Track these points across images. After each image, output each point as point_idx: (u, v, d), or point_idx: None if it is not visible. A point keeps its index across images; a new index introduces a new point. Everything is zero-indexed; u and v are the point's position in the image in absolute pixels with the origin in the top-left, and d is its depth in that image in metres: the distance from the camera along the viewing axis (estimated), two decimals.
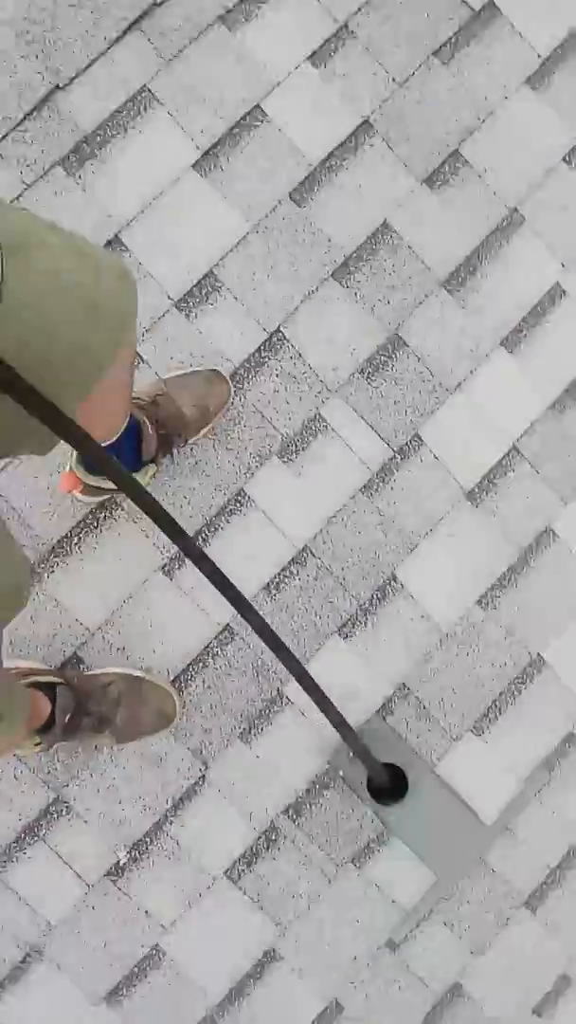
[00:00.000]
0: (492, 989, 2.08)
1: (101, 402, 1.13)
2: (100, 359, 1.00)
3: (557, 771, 2.08)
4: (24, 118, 1.83)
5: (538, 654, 2.07)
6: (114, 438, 1.61)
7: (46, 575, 1.89)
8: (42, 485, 1.88)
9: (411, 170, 2.00)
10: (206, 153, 1.91)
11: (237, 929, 1.98)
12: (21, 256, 0.85)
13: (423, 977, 2.05)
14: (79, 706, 1.78)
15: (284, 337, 1.95)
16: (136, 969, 1.95)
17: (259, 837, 1.98)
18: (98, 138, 1.86)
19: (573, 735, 2.08)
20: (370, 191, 1.99)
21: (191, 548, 1.29)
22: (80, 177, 1.87)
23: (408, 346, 2.01)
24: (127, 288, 1.02)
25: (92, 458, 1.03)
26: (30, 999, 1.93)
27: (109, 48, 1.85)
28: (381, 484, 2.01)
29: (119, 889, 1.94)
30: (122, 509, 1.91)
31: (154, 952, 1.96)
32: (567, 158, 2.08)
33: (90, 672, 1.90)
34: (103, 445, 1.52)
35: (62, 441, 0.98)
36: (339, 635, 1.99)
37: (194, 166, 1.91)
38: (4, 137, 1.82)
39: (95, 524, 1.91)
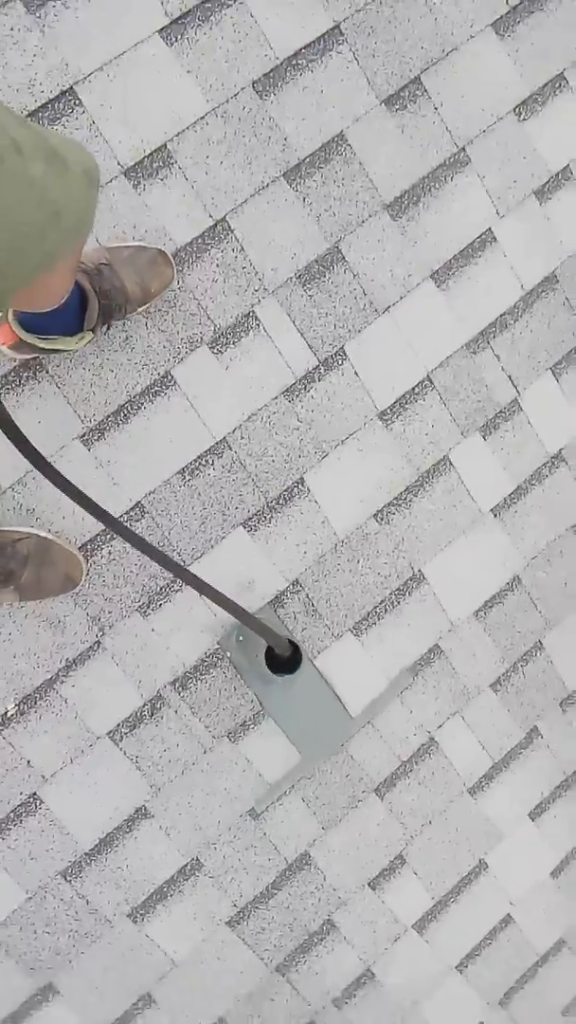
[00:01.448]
0: (336, 861, 1.71)
1: (44, 284, 0.91)
2: (54, 255, 0.79)
3: (420, 677, 1.69)
4: None
5: (419, 571, 1.67)
6: (56, 306, 1.12)
7: None
8: None
9: (373, 87, 1.52)
10: (175, 21, 1.39)
11: (113, 787, 1.55)
12: None
13: (277, 845, 1.67)
14: None
15: (229, 227, 1.46)
16: (12, 814, 1.51)
17: (144, 704, 1.54)
18: None
19: (438, 647, 1.69)
20: (331, 99, 1.49)
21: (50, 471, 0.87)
22: (40, 16, 1.33)
23: (346, 261, 1.54)
24: (92, 192, 0.82)
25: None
26: None
27: None
28: (302, 391, 1.55)
29: (3, 738, 1.48)
30: (46, 372, 1.41)
31: (32, 800, 1.52)
32: (518, 110, 1.63)
33: (0, 528, 1.41)
34: (48, 311, 1.14)
35: None
36: (244, 527, 1.55)
37: (160, 32, 1.39)
38: None
39: (18, 383, 1.41)
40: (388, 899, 1.78)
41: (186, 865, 1.65)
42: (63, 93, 1.37)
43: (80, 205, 0.81)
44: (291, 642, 1.59)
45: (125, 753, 1.56)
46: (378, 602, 1.68)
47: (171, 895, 1.64)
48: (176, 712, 1.58)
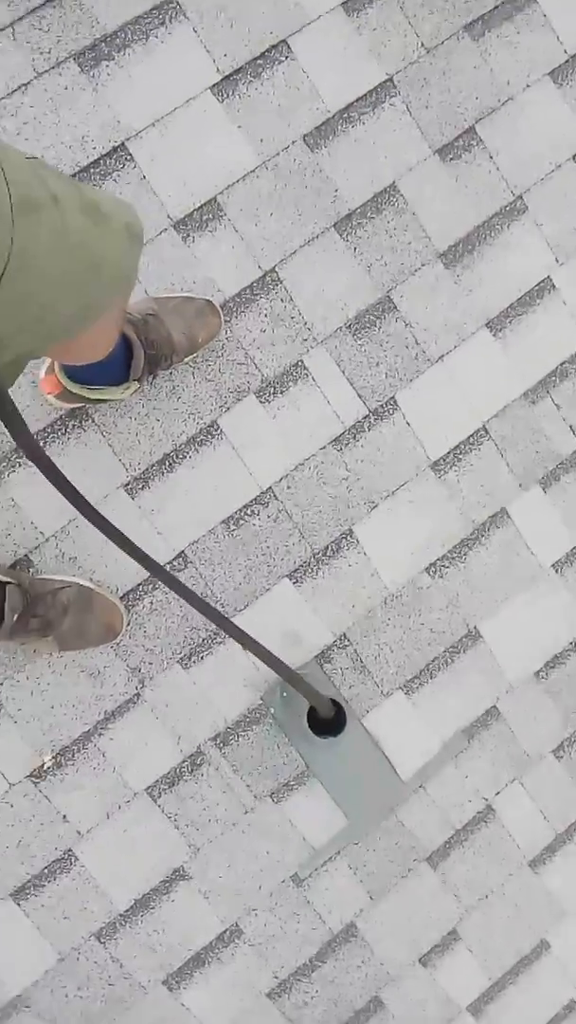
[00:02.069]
0: (384, 935, 1.59)
1: (89, 337, 0.87)
2: (93, 308, 0.78)
3: (476, 740, 1.57)
4: (44, 2, 1.30)
5: (475, 627, 1.56)
6: (101, 358, 1.11)
7: (7, 474, 1.37)
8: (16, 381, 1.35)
9: (426, 138, 1.47)
10: (226, 78, 1.38)
11: (151, 845, 1.48)
12: (32, 215, 0.64)
13: (321, 914, 1.56)
14: (27, 608, 1.28)
15: (278, 278, 1.43)
16: (46, 870, 1.45)
17: (184, 760, 1.47)
18: (118, 40, 1.33)
19: (495, 709, 1.57)
20: (383, 150, 1.46)
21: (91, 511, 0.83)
22: (94, 76, 1.34)
23: (398, 310, 1.48)
24: (133, 247, 0.80)
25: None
26: None
27: None
28: (352, 440, 1.49)
29: (40, 791, 1.43)
30: (92, 421, 1.39)
31: (66, 856, 1.45)
32: None
33: (41, 576, 1.38)
34: (94, 362, 1.12)
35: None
36: (289, 579, 1.48)
37: (212, 88, 1.38)
38: (21, 19, 1.29)
39: (64, 431, 1.39)
40: (440, 977, 1.63)
41: (225, 931, 1.55)
42: (115, 149, 1.37)
43: (121, 259, 0.78)
44: (335, 702, 1.50)
45: (163, 810, 1.49)
46: (431, 659, 1.58)
47: (209, 962, 1.55)
48: (217, 769, 1.50)
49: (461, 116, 1.51)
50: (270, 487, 1.48)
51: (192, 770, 1.49)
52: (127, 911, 1.50)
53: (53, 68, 1.34)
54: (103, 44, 1.35)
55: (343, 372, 1.49)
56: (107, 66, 1.36)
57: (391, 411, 1.51)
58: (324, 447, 1.49)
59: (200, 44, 1.38)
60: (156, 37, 1.36)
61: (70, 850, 1.47)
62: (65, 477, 0.89)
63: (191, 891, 1.52)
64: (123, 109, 1.37)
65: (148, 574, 1.41)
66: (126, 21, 1.34)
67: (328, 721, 1.48)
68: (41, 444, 1.40)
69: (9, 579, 1.28)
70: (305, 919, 1.57)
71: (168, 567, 1.45)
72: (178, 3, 1.37)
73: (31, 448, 0.78)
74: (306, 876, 1.56)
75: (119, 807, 1.47)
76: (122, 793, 1.47)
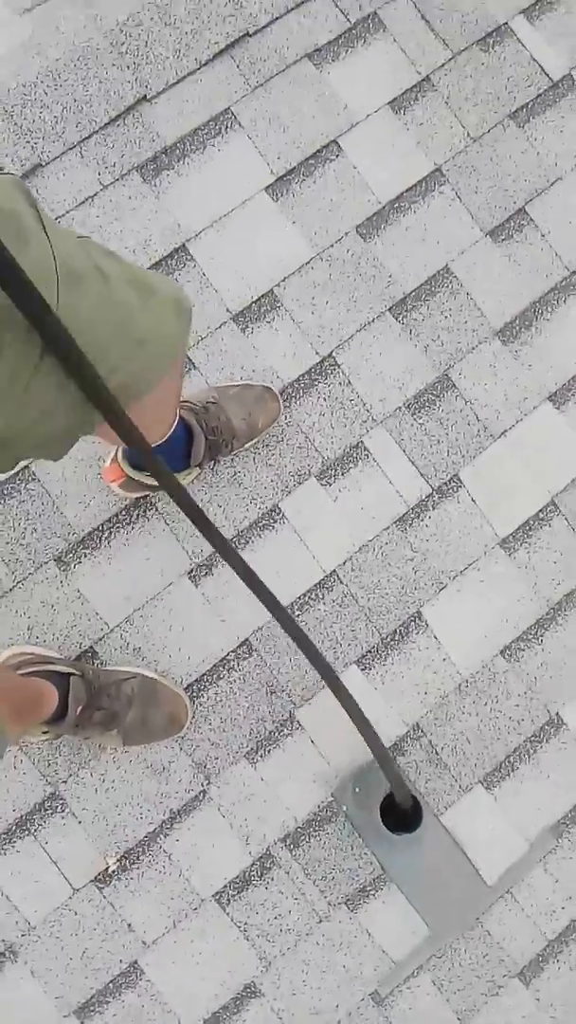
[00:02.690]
0: None
1: (140, 416, 0.82)
2: (142, 385, 0.76)
3: (566, 838, 1.44)
4: (109, 123, 1.38)
5: (557, 714, 1.45)
6: (158, 441, 1.11)
7: (73, 565, 1.37)
8: (79, 474, 1.37)
9: (477, 221, 1.49)
10: (280, 178, 1.43)
11: (220, 957, 1.38)
12: (77, 288, 0.64)
13: None
14: (91, 700, 1.25)
15: (336, 363, 1.43)
16: (111, 985, 1.36)
17: (253, 863, 1.38)
18: (177, 151, 1.40)
19: None
20: (435, 235, 1.47)
21: (227, 550, 0.81)
22: (156, 185, 1.40)
23: (456, 388, 1.46)
24: (181, 323, 0.78)
25: (135, 450, 0.79)
26: (1, 1001, 1.34)
27: (198, 69, 1.41)
28: (416, 520, 1.45)
29: (104, 898, 1.36)
30: (156, 510, 1.39)
31: (132, 969, 1.36)
32: None
33: (105, 668, 1.35)
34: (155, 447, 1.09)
35: (95, 437, 0.78)
36: (357, 666, 1.42)
37: (267, 189, 1.43)
38: (88, 138, 1.37)
39: (128, 521, 1.39)
40: None
41: None
42: (175, 251, 1.42)
43: (168, 334, 0.78)
44: (412, 796, 1.41)
45: (232, 919, 1.39)
46: (511, 750, 1.48)
47: None
48: (287, 873, 1.40)
49: (511, 198, 1.52)
50: (334, 570, 1.43)
51: (262, 874, 1.40)
52: None
53: (118, 180, 1.40)
54: (163, 155, 1.41)
55: (404, 451, 1.46)
56: (167, 175, 1.42)
57: (455, 489, 1.47)
58: (388, 527, 1.45)
59: (254, 149, 1.43)
60: (213, 146, 1.42)
61: (135, 962, 1.38)
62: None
63: (264, 1010, 1.40)
64: (183, 213, 1.42)
65: (212, 664, 1.37)
66: (184, 133, 1.41)
67: (403, 815, 1.38)
68: (105, 535, 1.40)
69: (72, 670, 1.25)
70: None
71: (232, 655, 1.41)
72: (233, 113, 1.43)
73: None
74: (387, 994, 1.42)
75: (186, 915, 1.39)
76: (189, 899, 1.39)
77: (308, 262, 1.44)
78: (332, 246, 1.45)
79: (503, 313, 1.51)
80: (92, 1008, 1.37)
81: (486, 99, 1.51)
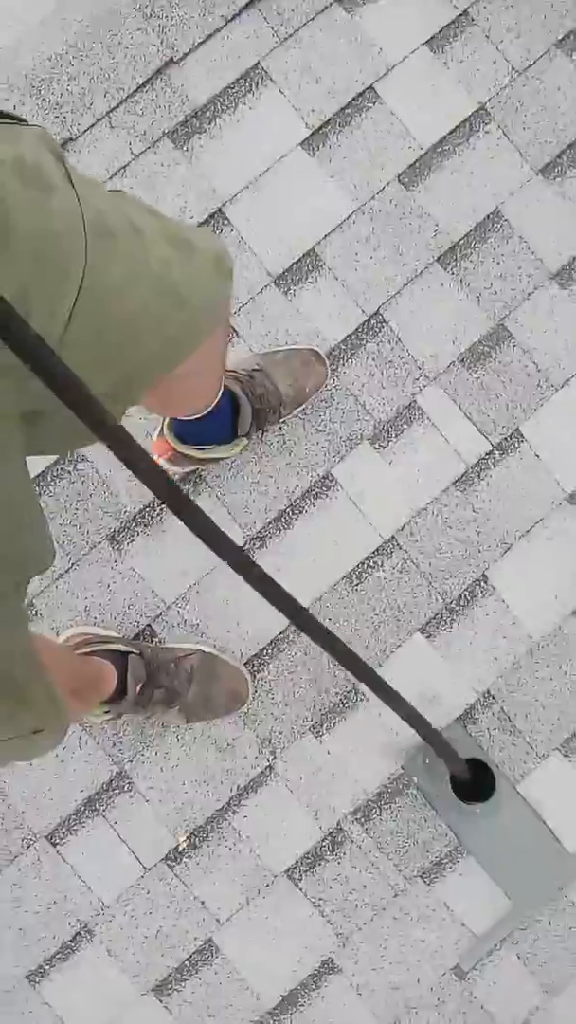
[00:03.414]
0: None
1: (184, 382, 0.80)
2: (184, 347, 0.71)
3: None
4: (137, 89, 1.34)
5: None
6: (203, 412, 1.06)
7: (127, 543, 1.35)
8: None
9: (526, 159, 1.39)
10: (315, 132, 1.36)
11: (295, 934, 1.34)
12: (108, 240, 0.58)
13: (492, 1012, 1.35)
14: (151, 678, 1.23)
15: (384, 320, 1.36)
16: (188, 962, 1.34)
17: (324, 838, 1.34)
18: (208, 112, 1.34)
19: None
20: (482, 178, 1.38)
21: (243, 561, 0.72)
22: (188, 150, 1.35)
23: (514, 338, 1.38)
24: (222, 280, 0.73)
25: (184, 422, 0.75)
26: (78, 979, 1.35)
27: (225, 25, 1.35)
28: (476, 479, 1.37)
29: (176, 876, 1.34)
30: (206, 484, 1.35)
31: (207, 947, 1.34)
32: None
33: (164, 645, 1.32)
34: (201, 419, 1.10)
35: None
36: (422, 633, 1.36)
37: (302, 144, 1.36)
38: (116, 107, 1.33)
39: None
40: None
41: None
42: (211, 216, 1.37)
43: (208, 292, 0.72)
44: (478, 762, 1.34)
45: (306, 895, 1.36)
46: None
47: None
48: (360, 847, 1.36)
49: (562, 132, 1.42)
50: (392, 536, 1.37)
51: (333, 849, 1.36)
52: (275, 1008, 1.36)
53: (149, 148, 1.36)
54: (194, 119, 1.36)
55: (460, 408, 1.38)
56: (199, 139, 1.37)
57: (517, 444, 1.39)
58: (447, 489, 1.38)
59: (287, 103, 1.37)
60: (244, 104, 1.37)
61: (211, 940, 1.36)
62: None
63: (343, 986, 1.37)
64: (217, 176, 1.37)
65: (272, 638, 1.33)
66: (215, 93, 1.36)
67: (472, 785, 1.32)
68: (156, 512, 1.37)
69: (131, 649, 1.23)
70: (473, 1018, 1.38)
71: (290, 629, 1.36)
72: (263, 68, 1.37)
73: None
74: (469, 968, 1.37)
75: (258, 891, 1.36)
76: (261, 876, 1.36)
77: (349, 217, 1.37)
78: (374, 198, 1.38)
79: (560, 255, 1.42)
80: (170, 986, 1.36)
81: (529, 29, 1.41)
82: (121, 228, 0.62)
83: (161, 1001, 1.36)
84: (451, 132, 1.40)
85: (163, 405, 1.01)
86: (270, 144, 1.37)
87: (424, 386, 1.39)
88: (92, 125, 1.36)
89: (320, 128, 1.38)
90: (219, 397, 1.09)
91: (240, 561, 0.71)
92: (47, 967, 1.35)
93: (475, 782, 1.33)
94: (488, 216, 1.40)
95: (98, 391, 0.65)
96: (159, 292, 0.66)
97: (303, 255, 1.37)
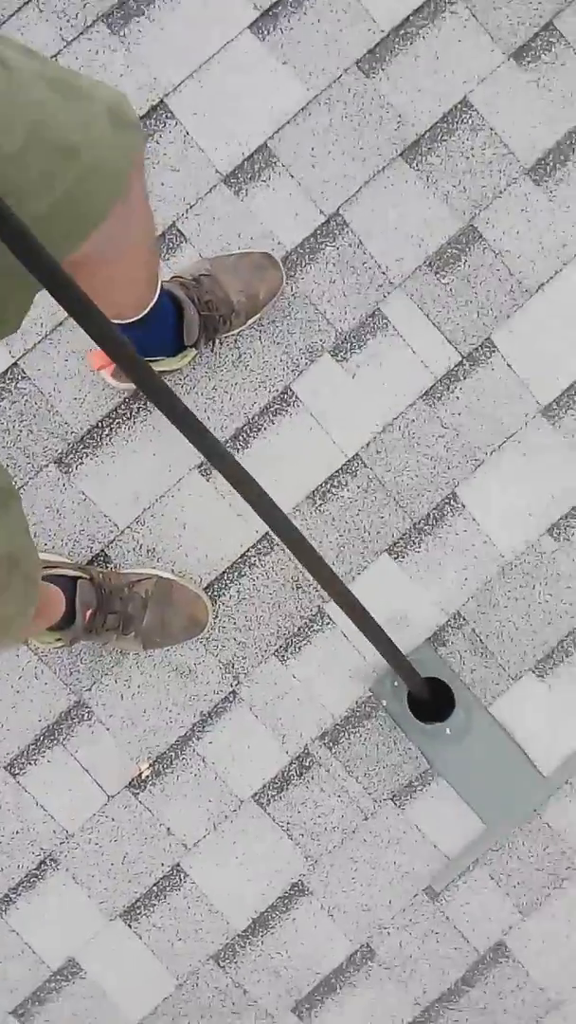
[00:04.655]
0: (541, 955, 1.34)
1: (102, 270, 0.72)
2: (85, 214, 0.62)
3: None
4: None
5: None
6: (139, 314, 0.97)
7: (75, 466, 1.27)
8: (72, 368, 1.25)
9: (498, 42, 1.27)
10: (264, 13, 1.24)
11: (264, 858, 1.32)
12: None
13: (464, 932, 1.33)
14: (102, 603, 1.17)
15: (344, 221, 1.26)
16: (156, 888, 1.32)
17: (291, 763, 1.30)
18: None
19: None
20: (449, 64, 1.26)
21: (214, 446, 0.69)
22: (124, 35, 1.23)
23: (484, 239, 1.27)
24: (121, 131, 0.63)
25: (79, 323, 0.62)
26: (46, 907, 1.32)
27: None
28: (445, 392, 1.29)
29: (140, 803, 1.31)
30: None
31: (175, 872, 1.32)
32: None
33: (119, 571, 1.26)
34: (138, 327, 0.99)
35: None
36: (389, 554, 1.29)
37: (251, 27, 1.24)
38: None
39: (128, 415, 1.27)
40: None
41: (355, 953, 1.36)
42: (153, 108, 1.25)
43: (105, 146, 0.63)
44: (436, 681, 1.29)
45: (274, 819, 1.32)
46: (564, 635, 1.34)
47: (340, 988, 1.36)
48: (328, 771, 1.32)
49: (536, 12, 1.29)
50: (356, 454, 1.30)
51: (301, 773, 1.32)
52: (245, 931, 1.34)
53: (82, 34, 1.24)
54: (131, 0, 1.23)
55: (428, 316, 1.29)
56: (137, 22, 1.25)
57: (488, 354, 1.30)
58: (414, 403, 1.30)
59: None
60: None
61: (178, 865, 1.33)
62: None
63: (313, 908, 1.34)
64: (158, 65, 1.25)
65: (232, 562, 1.26)
66: None
67: (434, 705, 1.27)
68: (106, 432, 1.29)
69: (80, 574, 1.16)
70: (445, 938, 1.36)
71: (253, 551, 1.30)
72: None
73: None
74: (442, 889, 1.34)
75: (225, 816, 1.32)
76: (228, 801, 1.32)
77: (304, 108, 1.26)
78: (330, 87, 1.26)
79: (534, 148, 1.30)
80: (138, 911, 1.34)
81: None
82: None
83: (130, 926, 1.34)
84: (414, 12, 1.28)
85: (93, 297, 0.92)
86: (216, 27, 1.25)
87: (388, 293, 1.29)
88: (18, 9, 1.23)
89: (270, 9, 1.26)
90: (156, 298, 1.00)
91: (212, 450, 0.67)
92: (13, 895, 1.33)
93: (438, 702, 1.28)
94: (456, 106, 1.29)
95: None
96: (38, 141, 0.57)
97: (255, 151, 1.27)
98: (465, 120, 1.30)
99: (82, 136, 0.60)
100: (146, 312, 1.00)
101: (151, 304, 1.00)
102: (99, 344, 0.66)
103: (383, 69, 1.28)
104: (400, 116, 1.29)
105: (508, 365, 1.32)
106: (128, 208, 0.72)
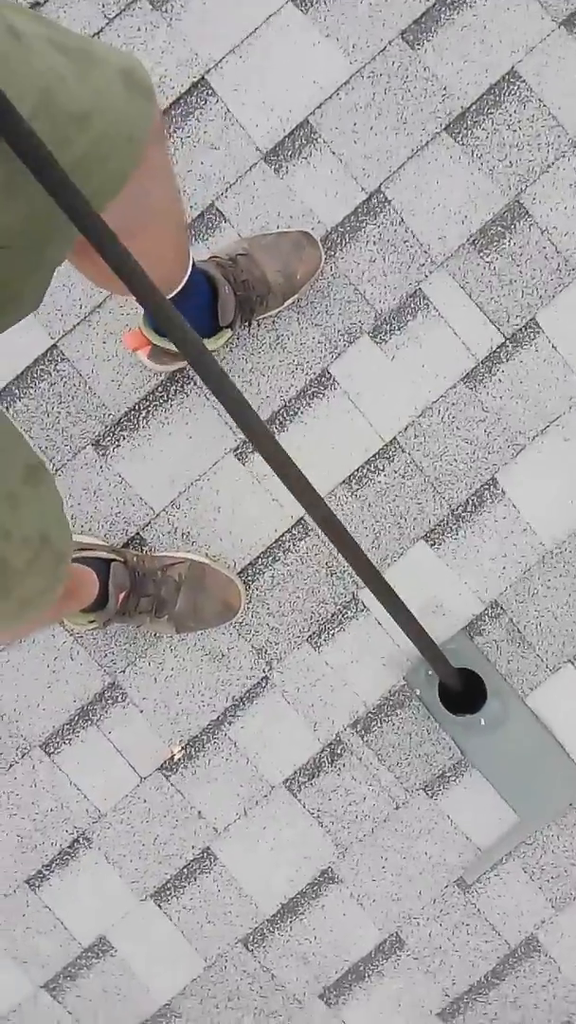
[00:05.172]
0: (573, 950, 1.31)
1: (129, 240, 0.66)
2: (101, 180, 0.60)
3: None
4: None
5: None
6: (170, 294, 0.95)
7: (111, 449, 1.26)
8: (110, 350, 1.24)
9: (547, 9, 1.21)
10: None
11: (294, 844, 1.31)
12: None
13: (495, 925, 1.31)
14: (135, 586, 1.16)
15: (386, 199, 1.22)
16: (186, 870, 1.32)
17: (323, 750, 1.29)
18: None
19: None
20: (497, 34, 1.21)
21: (255, 424, 0.68)
22: (167, 11, 1.21)
23: (530, 216, 1.23)
24: (135, 97, 0.60)
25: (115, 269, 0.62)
26: (78, 885, 1.33)
27: None
28: (487, 375, 1.25)
29: (172, 785, 1.30)
30: (194, 384, 1.25)
31: (205, 855, 1.31)
32: None
33: (153, 554, 1.25)
34: (171, 300, 0.93)
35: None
36: (425, 541, 1.26)
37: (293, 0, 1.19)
38: None
39: (165, 398, 1.26)
40: None
41: (384, 942, 1.34)
42: (195, 85, 1.23)
43: (118, 111, 0.61)
44: (469, 672, 1.26)
45: (304, 806, 1.31)
46: None
47: (369, 976, 1.35)
48: (360, 760, 1.30)
49: None
50: (394, 438, 1.27)
51: (332, 760, 1.30)
52: (274, 916, 1.34)
53: (124, 11, 1.22)
54: None
55: (470, 296, 1.25)
56: None
57: (532, 335, 1.26)
58: (454, 386, 1.26)
59: None
60: None
61: (208, 848, 1.32)
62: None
63: (342, 896, 1.33)
64: (200, 40, 1.22)
65: (267, 546, 1.25)
66: None
67: (468, 696, 1.24)
68: (142, 414, 1.28)
69: (114, 556, 1.15)
70: (476, 930, 1.34)
71: (288, 536, 1.28)
72: None
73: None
74: (473, 881, 1.32)
75: (256, 802, 1.31)
76: (259, 787, 1.31)
77: (347, 82, 1.22)
78: (374, 59, 1.22)
79: None
80: (168, 892, 1.34)
81: None
82: None
83: (160, 907, 1.35)
84: None
85: (107, 278, 0.90)
86: (257, 1, 1.21)
87: (430, 272, 1.25)
88: None
89: None
90: (186, 277, 0.97)
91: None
92: (47, 872, 1.34)
93: (473, 692, 1.25)
94: (503, 77, 1.24)
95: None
96: (49, 108, 0.55)
97: (296, 127, 1.23)
98: (512, 92, 1.25)
99: (94, 102, 0.58)
100: (177, 291, 0.98)
101: (181, 283, 0.98)
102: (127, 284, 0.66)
103: (428, 40, 1.24)
104: (445, 88, 1.24)
105: (553, 346, 1.28)
106: (148, 179, 0.69)
